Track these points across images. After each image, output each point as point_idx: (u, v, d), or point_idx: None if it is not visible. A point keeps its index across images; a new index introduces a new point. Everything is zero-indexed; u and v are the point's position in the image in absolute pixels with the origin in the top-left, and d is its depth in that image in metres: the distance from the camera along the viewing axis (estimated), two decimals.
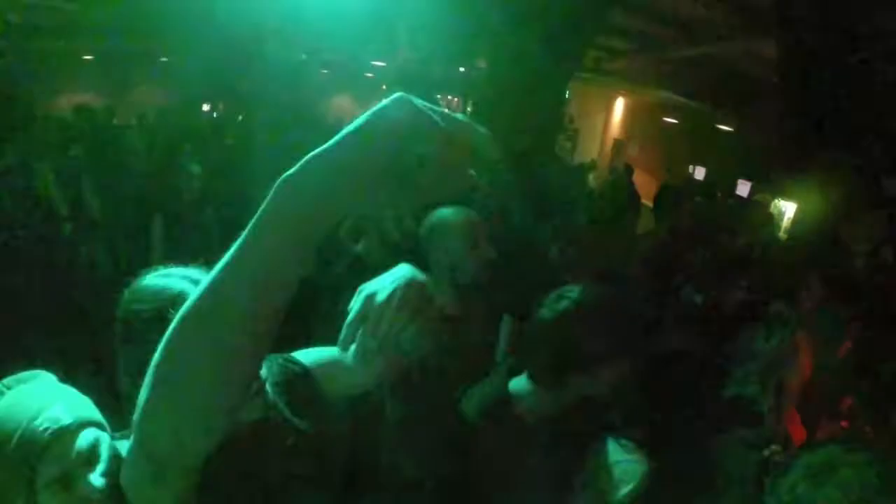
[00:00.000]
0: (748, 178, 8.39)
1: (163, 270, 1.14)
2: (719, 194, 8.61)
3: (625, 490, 1.40)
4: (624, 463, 1.44)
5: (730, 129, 9.40)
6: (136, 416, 0.72)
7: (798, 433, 2.79)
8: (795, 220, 6.43)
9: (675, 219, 4.17)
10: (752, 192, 8.26)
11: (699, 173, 10.00)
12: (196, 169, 4.03)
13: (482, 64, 8.35)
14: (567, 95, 9.73)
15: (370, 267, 1.69)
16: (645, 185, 10.88)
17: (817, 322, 3.08)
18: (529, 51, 5.56)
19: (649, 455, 1.47)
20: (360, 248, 2.60)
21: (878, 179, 4.71)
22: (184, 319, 0.67)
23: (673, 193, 4.75)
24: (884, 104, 4.52)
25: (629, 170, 8.55)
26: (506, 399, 1.57)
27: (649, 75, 11.11)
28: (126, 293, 1.12)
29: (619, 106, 14.32)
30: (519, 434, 1.52)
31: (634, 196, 7.43)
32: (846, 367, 3.37)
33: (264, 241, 0.65)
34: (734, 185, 8.61)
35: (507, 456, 1.49)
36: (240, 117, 9.54)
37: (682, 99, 10.83)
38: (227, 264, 0.66)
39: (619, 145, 13.31)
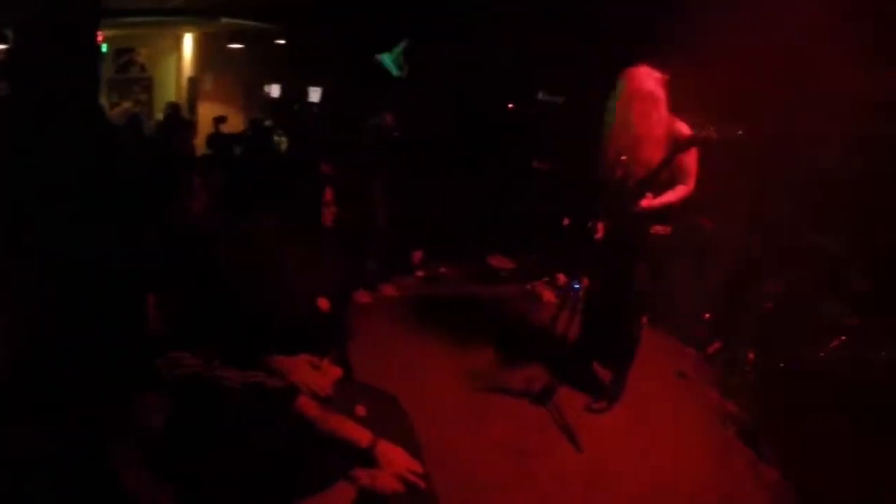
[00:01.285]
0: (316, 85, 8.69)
1: None
2: (297, 106, 8.81)
3: None
4: None
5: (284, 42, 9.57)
6: None
7: None
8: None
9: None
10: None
11: (275, 91, 10.06)
12: None
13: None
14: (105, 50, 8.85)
15: None
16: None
17: None
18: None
19: None
20: None
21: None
22: None
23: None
24: None
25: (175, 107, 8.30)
26: None
27: (211, 4, 10.64)
28: None
29: (189, 42, 13.50)
30: None
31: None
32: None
33: None
34: (307, 94, 8.85)
35: None
36: None
37: (242, 22, 10.63)
38: None
39: (193, 83, 12.63)
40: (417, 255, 5.52)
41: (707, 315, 4.95)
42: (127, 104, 12.90)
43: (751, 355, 4.29)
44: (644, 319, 5.22)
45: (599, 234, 3.54)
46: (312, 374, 2.17)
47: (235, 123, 11.15)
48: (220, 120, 8.60)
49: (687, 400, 4.16)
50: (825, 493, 3.18)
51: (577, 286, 4.98)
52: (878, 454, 3.16)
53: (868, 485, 3.11)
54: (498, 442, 3.35)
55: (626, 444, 3.53)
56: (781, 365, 3.79)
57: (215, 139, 5.07)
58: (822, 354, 3.72)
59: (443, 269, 5.66)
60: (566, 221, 5.30)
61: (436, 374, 3.91)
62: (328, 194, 2.69)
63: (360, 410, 2.13)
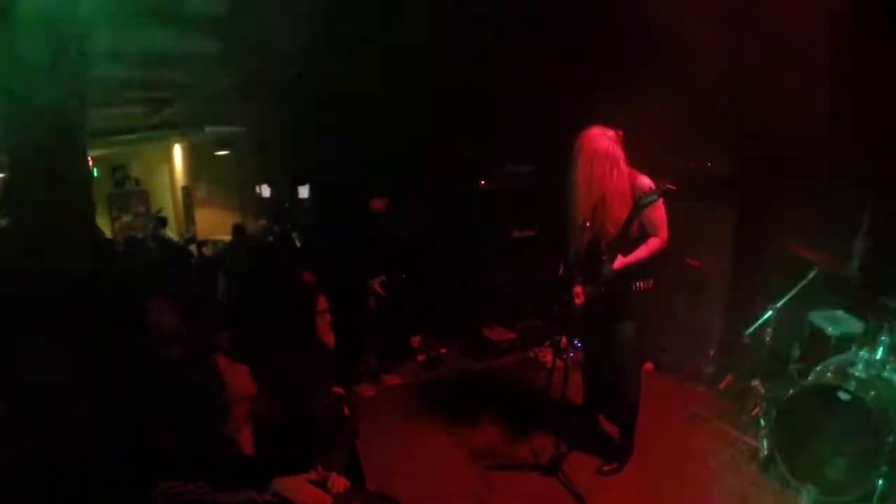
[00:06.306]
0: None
1: None
2: (287, 204, 9.01)
3: None
4: None
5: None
6: None
7: None
8: None
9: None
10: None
11: (266, 191, 10.30)
12: None
13: None
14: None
15: None
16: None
17: None
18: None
19: None
20: None
21: None
22: None
23: None
24: None
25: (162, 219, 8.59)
26: None
27: (196, 115, 11.01)
28: None
29: (178, 153, 13.94)
30: None
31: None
32: None
33: None
34: (297, 191, 9.05)
35: None
36: None
37: (227, 128, 10.97)
38: None
39: (186, 192, 13.01)
40: (416, 340, 5.60)
41: (712, 352, 4.95)
42: (127, 218, 13.37)
43: (758, 386, 4.26)
44: (649, 366, 5.26)
45: (580, 300, 3.59)
46: (311, 491, 2.33)
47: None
48: (202, 244, 8.83)
49: (703, 441, 4.10)
50: None
51: (578, 344, 4.97)
52: None
53: None
54: None
55: (645, 501, 3.50)
56: (791, 391, 3.71)
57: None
58: (829, 374, 3.65)
59: (443, 350, 5.71)
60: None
61: (444, 460, 3.92)
62: (322, 303, 2.77)
63: None
